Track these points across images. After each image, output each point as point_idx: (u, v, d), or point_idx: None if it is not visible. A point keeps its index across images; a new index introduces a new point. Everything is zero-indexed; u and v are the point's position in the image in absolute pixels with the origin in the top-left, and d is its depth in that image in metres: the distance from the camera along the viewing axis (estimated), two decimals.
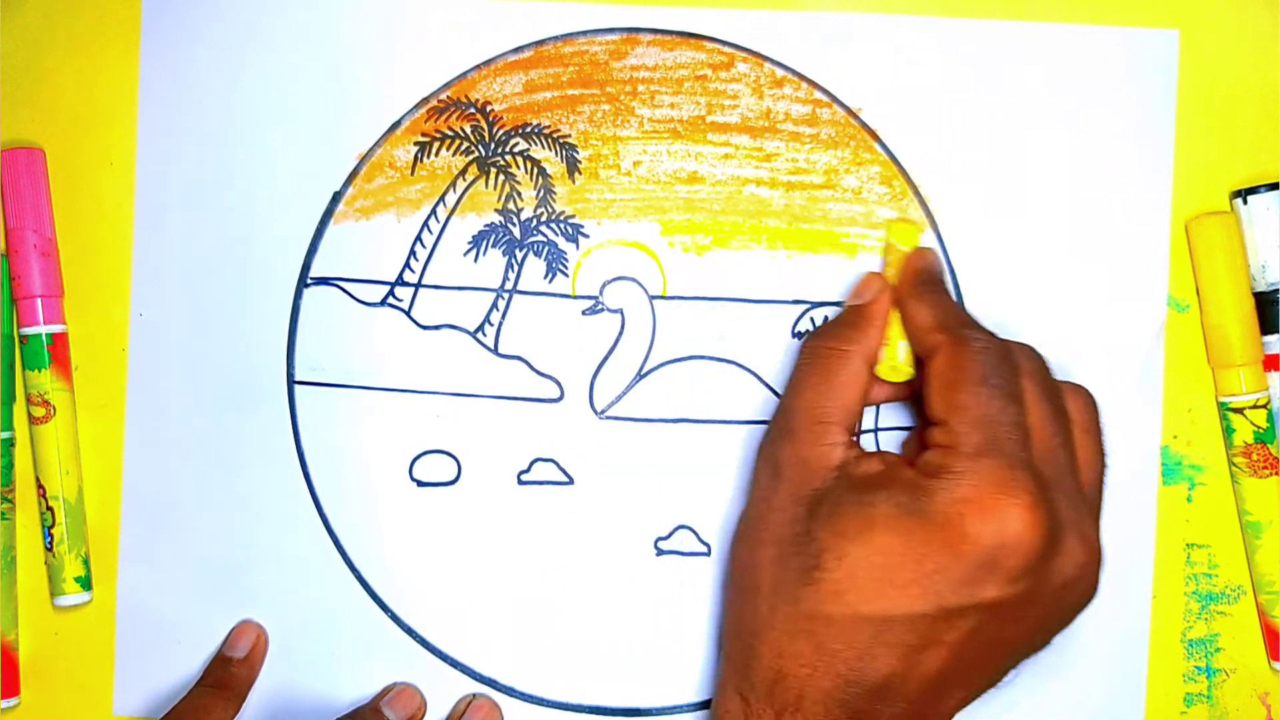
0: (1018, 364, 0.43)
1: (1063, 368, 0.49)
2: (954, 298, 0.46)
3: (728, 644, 0.45)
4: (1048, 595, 0.41)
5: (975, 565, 0.40)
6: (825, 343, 0.45)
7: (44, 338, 0.50)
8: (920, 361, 0.45)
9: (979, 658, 0.42)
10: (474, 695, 0.50)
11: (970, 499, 0.40)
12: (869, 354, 0.45)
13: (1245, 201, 0.49)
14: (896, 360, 0.45)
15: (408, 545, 0.50)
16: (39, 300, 0.50)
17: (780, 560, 0.43)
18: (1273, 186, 0.48)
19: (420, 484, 0.50)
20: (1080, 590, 0.42)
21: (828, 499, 0.42)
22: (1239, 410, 0.48)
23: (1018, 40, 0.49)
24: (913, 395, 0.47)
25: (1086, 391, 0.45)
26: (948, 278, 0.48)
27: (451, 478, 0.50)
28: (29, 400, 0.50)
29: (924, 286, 0.46)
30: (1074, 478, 0.42)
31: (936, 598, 0.40)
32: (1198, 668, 0.50)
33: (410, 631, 0.50)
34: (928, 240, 0.49)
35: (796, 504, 0.43)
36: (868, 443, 0.50)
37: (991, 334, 0.43)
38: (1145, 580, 0.50)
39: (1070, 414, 0.44)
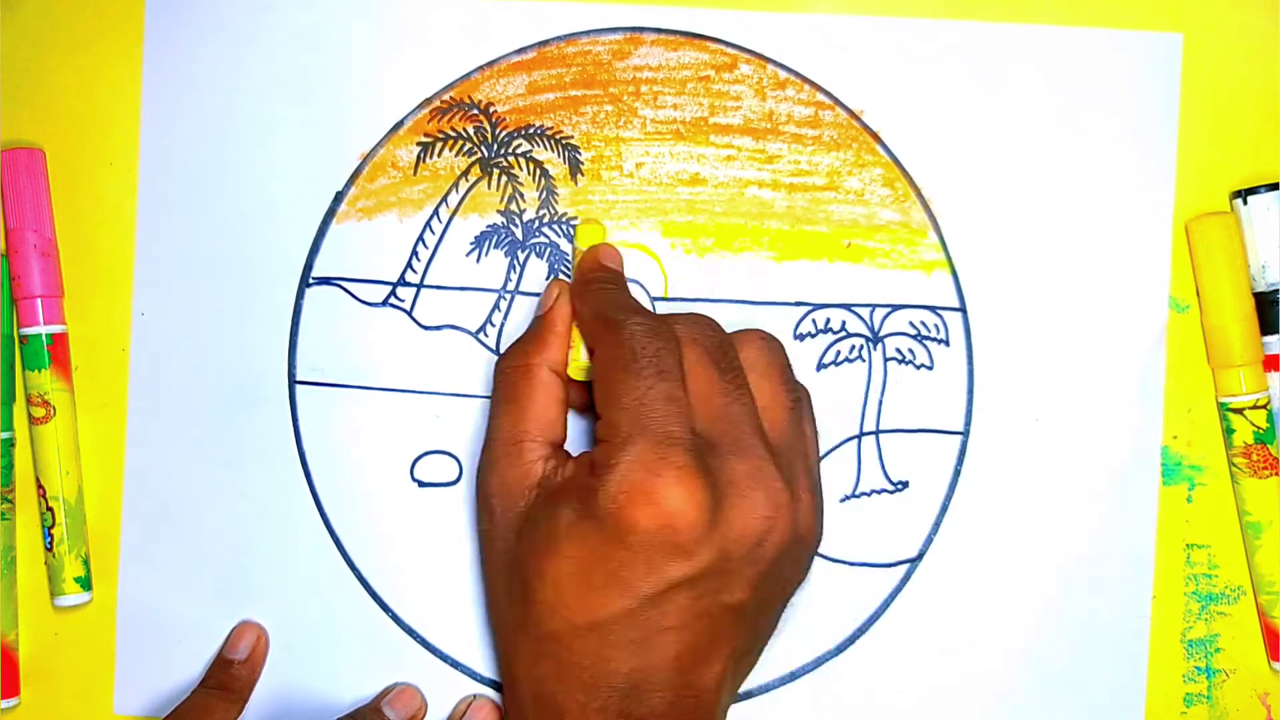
0: (675, 336, 0.43)
1: (1064, 369, 0.50)
2: (622, 290, 0.46)
3: (501, 676, 0.47)
4: (741, 553, 0.41)
5: (650, 550, 0.40)
6: (509, 361, 0.46)
7: (44, 338, 0.50)
8: None
9: (711, 629, 0.42)
10: (474, 696, 0.50)
11: (624, 489, 0.40)
12: (556, 361, 0.46)
13: (1245, 202, 0.49)
14: (579, 360, 0.46)
15: (409, 545, 0.50)
16: (39, 300, 0.50)
17: (507, 589, 0.44)
18: (1273, 187, 0.48)
19: (421, 484, 0.50)
20: (780, 536, 0.42)
21: (529, 519, 0.43)
22: (1239, 410, 0.48)
23: (1020, 43, 0.49)
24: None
25: (760, 334, 0.45)
26: (624, 269, 0.48)
27: (453, 478, 0.50)
28: (29, 400, 0.50)
29: (588, 285, 0.46)
30: (754, 429, 0.42)
31: (632, 591, 0.40)
32: (1198, 668, 0.50)
33: (411, 632, 0.50)
34: (895, 244, 0.50)
35: (509, 530, 0.44)
36: (868, 445, 0.50)
37: (650, 314, 0.43)
38: (1146, 580, 0.50)
39: (746, 363, 0.44)
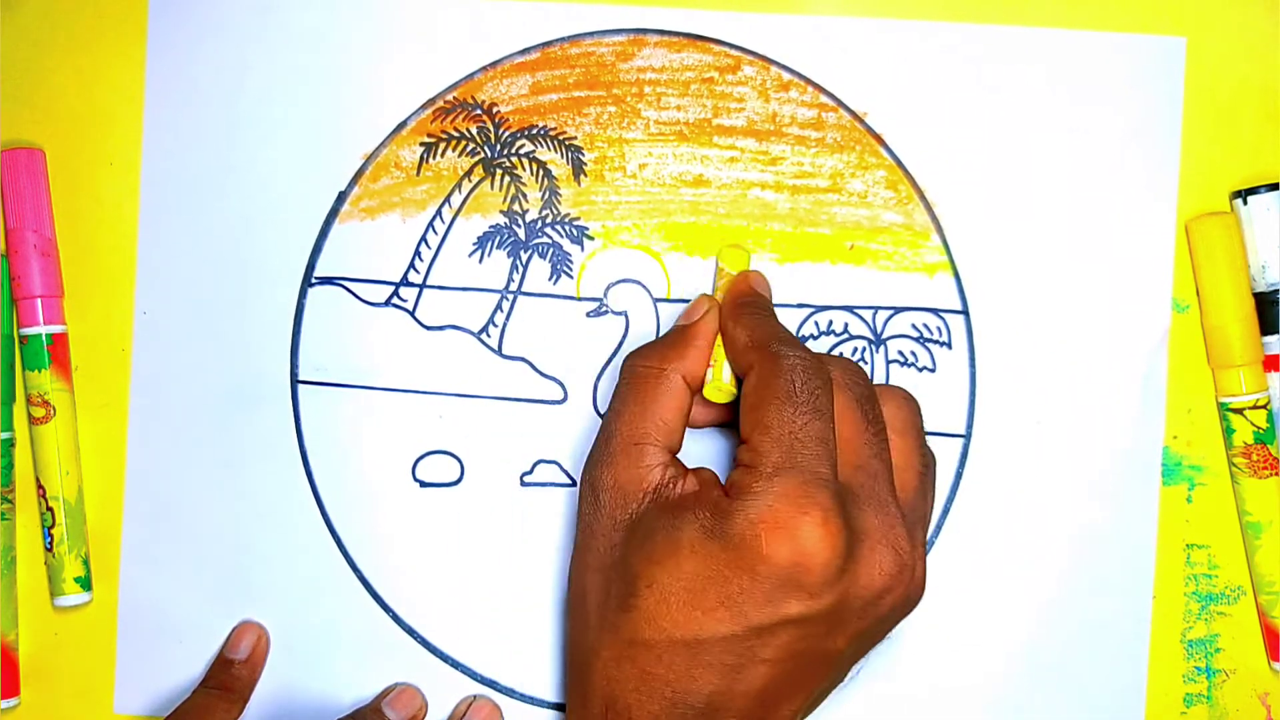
0: (828, 377, 0.43)
1: (1067, 372, 0.50)
2: (775, 319, 0.46)
3: (568, 669, 0.46)
4: (858, 605, 0.41)
5: (775, 584, 0.40)
6: (644, 361, 0.46)
7: (44, 338, 0.50)
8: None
9: (803, 669, 0.42)
10: (475, 697, 0.50)
11: (765, 519, 0.40)
12: (690, 373, 0.45)
13: (1245, 202, 0.49)
14: (721, 381, 0.45)
15: (410, 546, 0.50)
16: (39, 300, 0.50)
17: (603, 587, 0.44)
18: (1273, 187, 0.49)
19: (423, 484, 0.50)
20: (895, 597, 0.42)
21: (643, 523, 0.43)
22: (1239, 411, 0.49)
23: (1023, 46, 0.50)
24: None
25: (904, 393, 0.45)
26: (772, 299, 0.48)
27: (454, 479, 0.50)
28: (29, 400, 0.50)
29: (743, 308, 0.46)
30: (888, 485, 0.43)
31: (743, 618, 0.40)
32: (1198, 668, 0.50)
33: (411, 632, 0.50)
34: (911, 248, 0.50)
35: (615, 529, 0.44)
36: None
37: (806, 350, 0.43)
38: (1146, 582, 0.50)
39: (886, 419, 0.44)
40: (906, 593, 0.42)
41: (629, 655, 0.42)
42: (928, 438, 0.46)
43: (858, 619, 0.42)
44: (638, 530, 0.43)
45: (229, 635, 0.50)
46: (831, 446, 0.42)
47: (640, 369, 0.45)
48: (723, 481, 0.43)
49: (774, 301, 0.49)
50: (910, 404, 0.45)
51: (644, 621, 0.41)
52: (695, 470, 0.44)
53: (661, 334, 0.49)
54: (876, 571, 0.41)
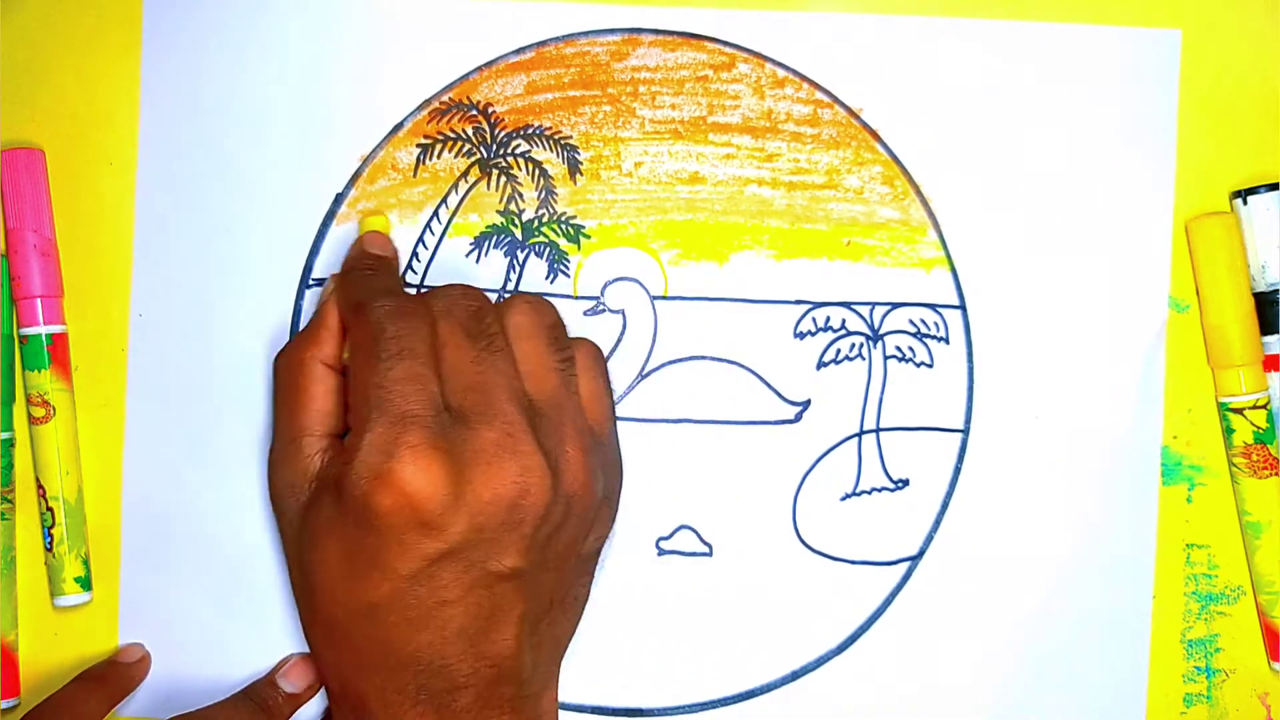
0: (426, 312, 0.43)
1: (1064, 367, 0.50)
2: (384, 276, 0.46)
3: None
4: (497, 520, 0.41)
5: (400, 531, 0.40)
6: (282, 358, 0.46)
7: (44, 338, 0.50)
8: None
9: (492, 598, 0.42)
10: (293, 655, 0.50)
11: (365, 474, 0.40)
12: (328, 356, 0.45)
13: (1245, 202, 0.49)
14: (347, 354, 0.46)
15: None
16: (39, 300, 0.50)
17: (299, 586, 0.45)
18: (1273, 187, 0.48)
19: None
20: (536, 498, 0.42)
21: (306, 511, 0.44)
22: (1239, 410, 0.48)
23: (1019, 40, 0.50)
24: None
25: (528, 299, 0.45)
26: (396, 256, 0.49)
27: None
28: (29, 400, 0.50)
29: (345, 275, 0.47)
30: (506, 394, 0.42)
31: (393, 572, 0.41)
32: (1197, 668, 0.50)
33: None
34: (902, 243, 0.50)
35: (292, 526, 0.45)
36: (868, 443, 0.50)
37: (405, 295, 0.44)
38: (1146, 579, 0.50)
39: (511, 329, 0.44)
40: (553, 491, 0.42)
41: (331, 639, 0.43)
42: (928, 433, 0.46)
43: (508, 532, 0.42)
44: (305, 519, 0.44)
45: (118, 649, 0.50)
46: (425, 381, 0.41)
47: (281, 364, 0.46)
48: None
49: (769, 297, 0.50)
50: (535, 306, 0.45)
51: (326, 602, 0.43)
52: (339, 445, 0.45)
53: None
54: (499, 484, 0.41)
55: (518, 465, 0.41)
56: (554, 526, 0.43)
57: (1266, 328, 0.49)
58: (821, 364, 0.50)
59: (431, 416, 0.41)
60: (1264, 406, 0.48)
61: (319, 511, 0.43)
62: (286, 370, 0.46)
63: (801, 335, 0.50)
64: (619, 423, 0.50)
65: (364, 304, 0.43)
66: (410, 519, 0.40)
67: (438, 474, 0.40)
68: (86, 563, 0.50)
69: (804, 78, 0.50)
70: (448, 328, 0.43)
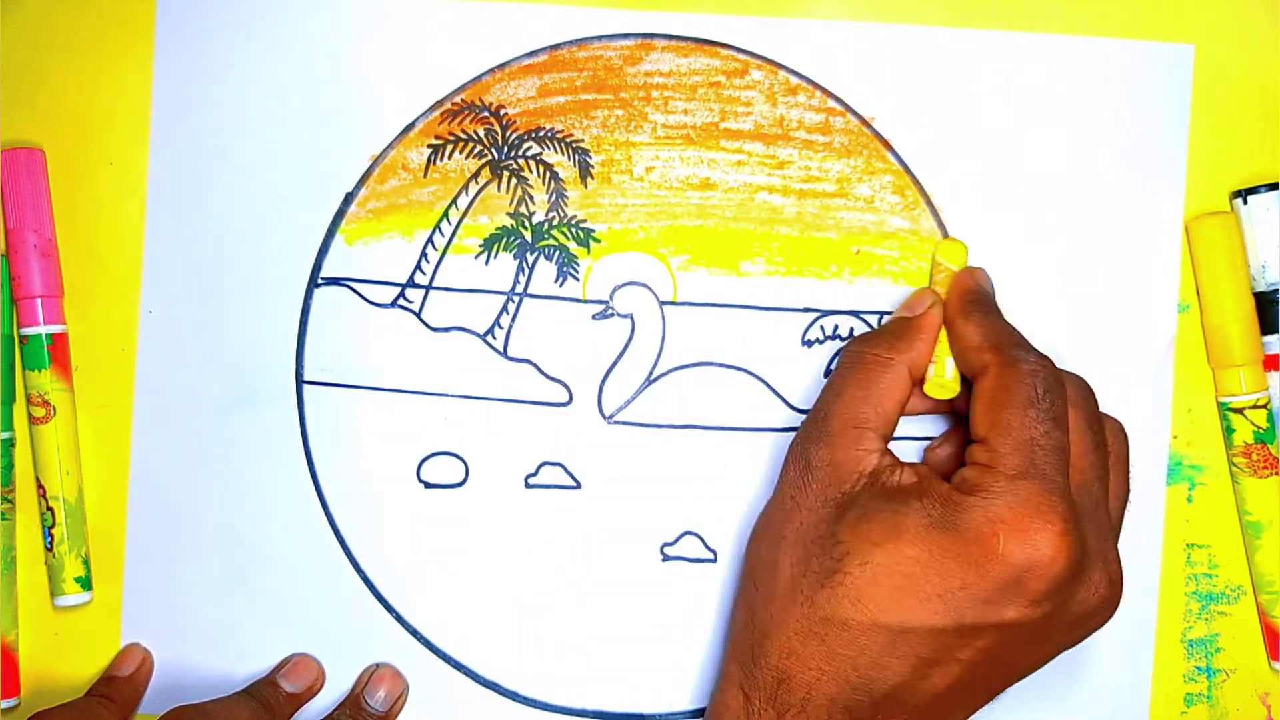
0: (1066, 390, 0.43)
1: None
2: (1004, 319, 0.46)
3: (735, 639, 0.45)
4: (1065, 622, 0.42)
5: (1000, 585, 0.40)
6: (870, 349, 0.46)
7: (44, 338, 0.49)
8: (966, 380, 0.45)
9: (988, 676, 0.42)
10: (377, 665, 0.50)
11: (1004, 519, 0.40)
12: (913, 365, 0.45)
13: (1245, 201, 0.49)
14: (944, 378, 0.46)
15: (414, 547, 0.50)
16: (39, 300, 0.50)
17: (802, 560, 0.43)
18: (1273, 186, 0.49)
19: (428, 486, 0.50)
20: (1097, 621, 0.43)
21: (857, 503, 0.43)
22: (1239, 410, 0.49)
23: (1031, 52, 0.50)
24: (949, 410, 0.48)
25: (1120, 425, 0.46)
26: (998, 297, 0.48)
27: (459, 480, 0.50)
28: (29, 400, 0.49)
29: (974, 305, 0.46)
30: (1105, 510, 0.43)
31: (957, 614, 0.40)
32: (1198, 668, 0.50)
33: (414, 633, 0.50)
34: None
35: (824, 505, 0.43)
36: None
37: (1043, 357, 0.44)
38: (1152, 584, 0.50)
39: (1108, 446, 0.44)
40: (1108, 616, 0.43)
41: (819, 633, 0.41)
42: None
43: (1063, 634, 0.42)
44: (850, 510, 0.43)
45: (116, 656, 0.50)
46: (1067, 458, 0.42)
47: (868, 355, 0.45)
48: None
49: (778, 305, 0.50)
50: (1124, 435, 0.46)
51: (847, 600, 0.41)
52: (912, 464, 0.44)
53: (886, 324, 0.49)
54: (1093, 592, 0.41)
55: (1110, 584, 0.42)
56: (1077, 642, 0.44)
57: (1266, 327, 0.49)
58: (829, 372, 0.50)
59: (1072, 499, 0.41)
60: (1264, 406, 0.49)
61: (901, 517, 0.41)
62: (871, 360, 0.45)
63: (809, 343, 0.50)
64: (627, 428, 0.50)
65: (1013, 353, 0.43)
66: (1020, 582, 0.40)
67: (1071, 558, 0.40)
68: (87, 563, 0.50)
69: (816, 85, 0.50)
70: (1076, 417, 0.43)
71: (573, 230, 0.50)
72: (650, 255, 0.50)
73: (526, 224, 0.50)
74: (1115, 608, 0.43)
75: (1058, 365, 0.44)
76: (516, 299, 0.50)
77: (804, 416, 0.46)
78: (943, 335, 0.46)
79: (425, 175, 0.50)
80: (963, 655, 0.41)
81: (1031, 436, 0.41)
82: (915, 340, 0.46)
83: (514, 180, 0.50)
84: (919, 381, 0.46)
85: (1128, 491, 0.46)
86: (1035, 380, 0.42)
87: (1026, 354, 0.43)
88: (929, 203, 0.50)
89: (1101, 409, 0.45)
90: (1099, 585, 0.42)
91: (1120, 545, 0.44)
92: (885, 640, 0.41)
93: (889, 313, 0.50)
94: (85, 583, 0.49)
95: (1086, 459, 0.43)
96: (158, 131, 0.50)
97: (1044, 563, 0.40)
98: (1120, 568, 0.43)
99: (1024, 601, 0.40)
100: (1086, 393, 0.44)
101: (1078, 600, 0.41)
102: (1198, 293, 0.50)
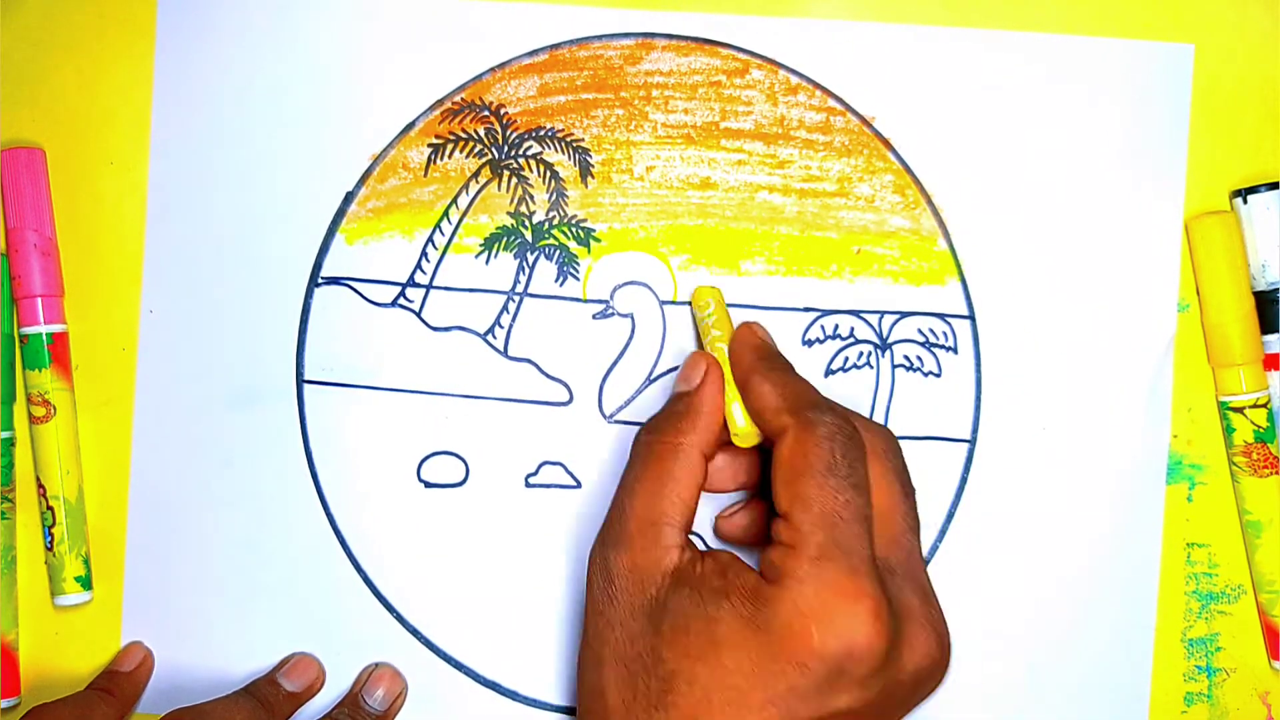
0: (863, 445, 0.42)
1: (1073, 378, 0.50)
2: (797, 374, 0.44)
3: None
4: (902, 691, 0.41)
5: (823, 677, 0.39)
6: (656, 437, 0.44)
7: (44, 337, 0.49)
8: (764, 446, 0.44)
9: None
10: (376, 665, 0.50)
11: (812, 609, 0.39)
12: (705, 444, 0.44)
13: (1245, 201, 0.49)
14: (738, 426, 0.45)
15: (414, 546, 0.50)
16: (39, 300, 0.49)
17: (628, 682, 0.41)
18: (1273, 186, 0.49)
19: (428, 485, 0.50)
20: (935, 680, 0.42)
21: (669, 611, 0.41)
22: (1239, 410, 0.49)
23: (1032, 52, 0.50)
24: (751, 487, 0.48)
25: (888, 434, 0.44)
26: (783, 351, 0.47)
27: (459, 479, 0.50)
28: (29, 400, 0.49)
29: (765, 363, 0.44)
30: (920, 559, 0.42)
31: (789, 713, 0.39)
32: (1198, 667, 0.50)
33: (414, 632, 0.50)
34: (939, 251, 0.50)
35: (633, 617, 0.41)
36: None
37: (839, 413, 0.42)
38: (1151, 588, 0.50)
39: (914, 491, 0.43)
40: (944, 670, 0.42)
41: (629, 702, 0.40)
42: (935, 443, 0.46)
43: (902, 705, 0.41)
44: (663, 619, 0.41)
45: (117, 653, 0.50)
46: (870, 523, 0.40)
47: (655, 444, 0.44)
48: (749, 564, 0.42)
49: (778, 304, 0.50)
50: (895, 445, 0.44)
51: (679, 692, 0.39)
52: (713, 552, 0.42)
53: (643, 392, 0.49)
54: (921, 654, 0.40)
55: (938, 641, 0.41)
56: (923, 700, 0.42)
57: (1267, 327, 0.49)
58: (829, 372, 0.50)
59: (878, 567, 0.40)
60: (1264, 405, 0.49)
61: (713, 623, 0.40)
62: (661, 449, 0.43)
63: (810, 343, 0.50)
64: (627, 427, 0.50)
65: (807, 415, 0.42)
66: (840, 669, 0.39)
67: (885, 633, 0.39)
68: (87, 562, 0.50)
69: (817, 85, 0.50)
70: (880, 471, 0.42)
71: (573, 230, 0.50)
72: (650, 255, 0.50)
73: (527, 223, 0.50)
74: (947, 662, 0.42)
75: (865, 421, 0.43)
76: (517, 298, 0.50)
77: None
78: (729, 381, 0.45)
79: (426, 174, 0.50)
80: None
81: (832, 509, 0.40)
82: (699, 417, 0.44)
83: (514, 179, 0.50)
84: (713, 456, 0.45)
85: (917, 517, 0.44)
86: (833, 445, 0.41)
87: (823, 414, 0.42)
88: (929, 202, 0.50)
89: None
90: (923, 644, 0.41)
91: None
92: None
93: (889, 312, 0.50)
94: (85, 582, 0.49)
95: (896, 512, 0.42)
96: (158, 131, 0.50)
97: (862, 646, 0.39)
98: (944, 620, 0.42)
99: (852, 687, 0.39)
100: (889, 442, 0.43)
101: (905, 668, 0.40)
102: (1198, 292, 0.50)
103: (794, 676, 0.39)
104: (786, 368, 0.45)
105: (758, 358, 0.45)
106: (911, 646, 0.40)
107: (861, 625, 0.39)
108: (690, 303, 0.49)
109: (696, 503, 0.44)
